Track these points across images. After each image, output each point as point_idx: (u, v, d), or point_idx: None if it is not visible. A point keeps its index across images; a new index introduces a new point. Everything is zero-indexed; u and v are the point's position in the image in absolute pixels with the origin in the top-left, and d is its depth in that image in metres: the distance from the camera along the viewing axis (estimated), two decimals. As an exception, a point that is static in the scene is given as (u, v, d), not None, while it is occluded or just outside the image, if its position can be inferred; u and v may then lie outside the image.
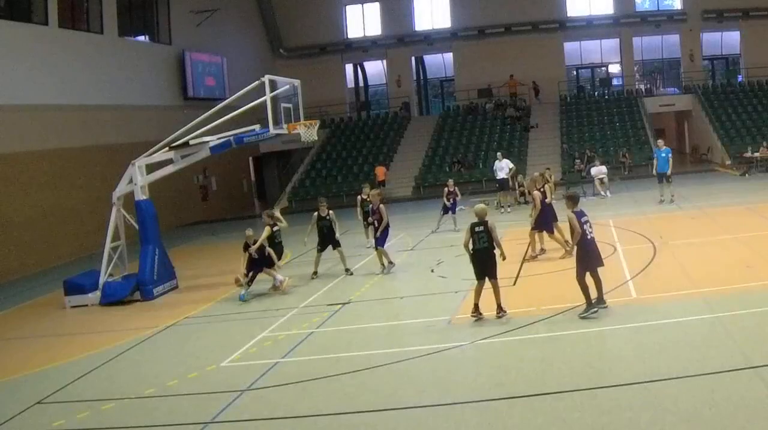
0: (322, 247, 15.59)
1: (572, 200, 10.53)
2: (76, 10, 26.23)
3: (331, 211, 15.56)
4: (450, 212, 20.58)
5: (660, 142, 23.40)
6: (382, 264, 15.27)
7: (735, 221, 17.26)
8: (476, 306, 10.70)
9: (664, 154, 21.72)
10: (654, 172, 22.15)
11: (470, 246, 10.59)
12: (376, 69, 44.18)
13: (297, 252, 19.95)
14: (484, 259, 10.63)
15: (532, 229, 15.10)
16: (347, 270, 15.51)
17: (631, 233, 17.10)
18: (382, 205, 15.50)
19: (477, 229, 10.57)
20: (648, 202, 21.84)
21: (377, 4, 41.94)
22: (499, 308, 10.71)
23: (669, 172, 21.61)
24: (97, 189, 22.82)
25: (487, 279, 10.69)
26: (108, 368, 10.59)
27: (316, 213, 15.67)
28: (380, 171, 34.68)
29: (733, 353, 8.19)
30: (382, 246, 15.28)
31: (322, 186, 34.99)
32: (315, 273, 15.56)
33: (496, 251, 10.78)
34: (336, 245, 15.63)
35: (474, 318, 10.66)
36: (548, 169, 26.41)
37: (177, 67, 32.25)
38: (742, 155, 30.35)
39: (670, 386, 7.47)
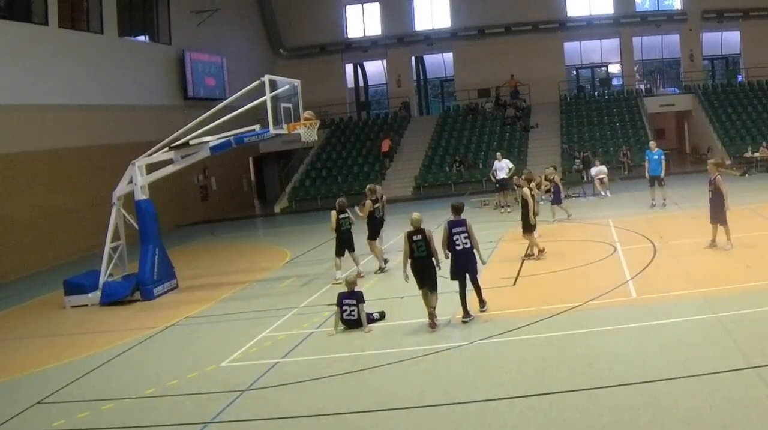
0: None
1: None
2: (76, 10, 26.17)
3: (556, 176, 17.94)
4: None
5: (652, 143, 22.56)
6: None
7: (735, 221, 17.20)
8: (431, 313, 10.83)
9: (656, 157, 20.93)
10: (646, 174, 21.34)
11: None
12: (376, 69, 44.16)
13: (298, 251, 19.98)
14: (422, 268, 10.85)
15: None
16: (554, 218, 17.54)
17: (631, 233, 17.09)
18: (719, 177, 14.61)
19: (415, 237, 10.75)
20: (647, 202, 21.79)
21: (377, 4, 41.91)
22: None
23: (662, 174, 20.93)
24: (97, 189, 22.79)
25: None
26: (108, 368, 10.59)
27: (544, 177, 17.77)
28: (385, 144, 35.55)
29: (733, 353, 8.19)
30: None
31: (322, 186, 35.02)
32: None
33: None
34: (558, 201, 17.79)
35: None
36: (548, 168, 26.46)
37: (177, 67, 32.22)
38: (742, 155, 30.35)
39: (670, 386, 7.48)
